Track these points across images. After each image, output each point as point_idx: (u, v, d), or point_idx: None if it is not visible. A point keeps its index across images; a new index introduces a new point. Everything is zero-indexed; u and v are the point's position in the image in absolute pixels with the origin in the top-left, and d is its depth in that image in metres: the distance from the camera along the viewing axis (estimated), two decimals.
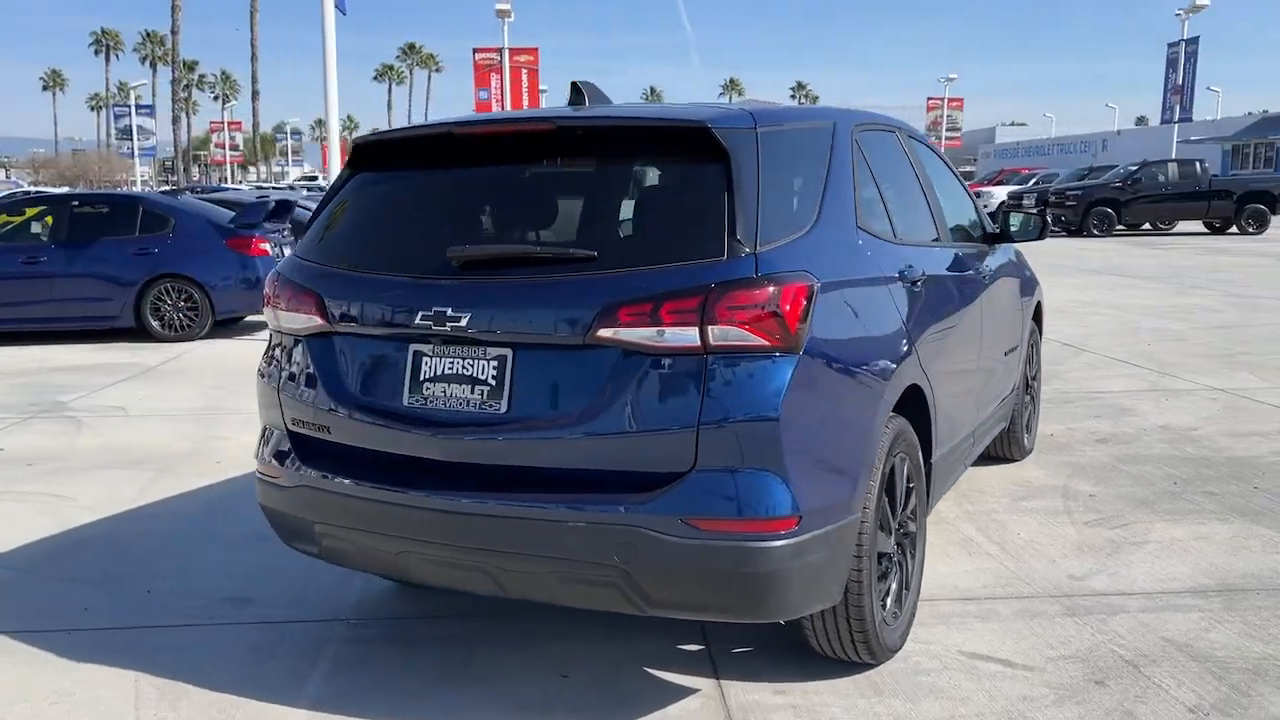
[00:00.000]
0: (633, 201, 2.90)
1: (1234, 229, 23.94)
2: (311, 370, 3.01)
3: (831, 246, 2.89)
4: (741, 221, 2.61)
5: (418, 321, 2.78)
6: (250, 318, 11.04)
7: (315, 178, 52.25)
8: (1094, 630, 3.29)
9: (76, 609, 3.64)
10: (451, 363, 2.78)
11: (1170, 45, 24.98)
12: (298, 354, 3.07)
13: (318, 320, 2.99)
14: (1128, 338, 9.23)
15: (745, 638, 3.25)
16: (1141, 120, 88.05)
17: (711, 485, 2.54)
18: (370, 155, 3.22)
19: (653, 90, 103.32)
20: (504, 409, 2.70)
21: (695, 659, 3.17)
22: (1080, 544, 4.08)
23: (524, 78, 28.20)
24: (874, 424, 2.85)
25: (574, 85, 3.32)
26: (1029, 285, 5.15)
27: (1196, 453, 5.38)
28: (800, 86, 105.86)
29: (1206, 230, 25.12)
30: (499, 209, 3.03)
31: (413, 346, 2.83)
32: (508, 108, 28.39)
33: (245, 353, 9.26)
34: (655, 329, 2.55)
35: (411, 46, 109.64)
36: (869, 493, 2.81)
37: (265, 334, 3.38)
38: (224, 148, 74.63)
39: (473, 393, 2.74)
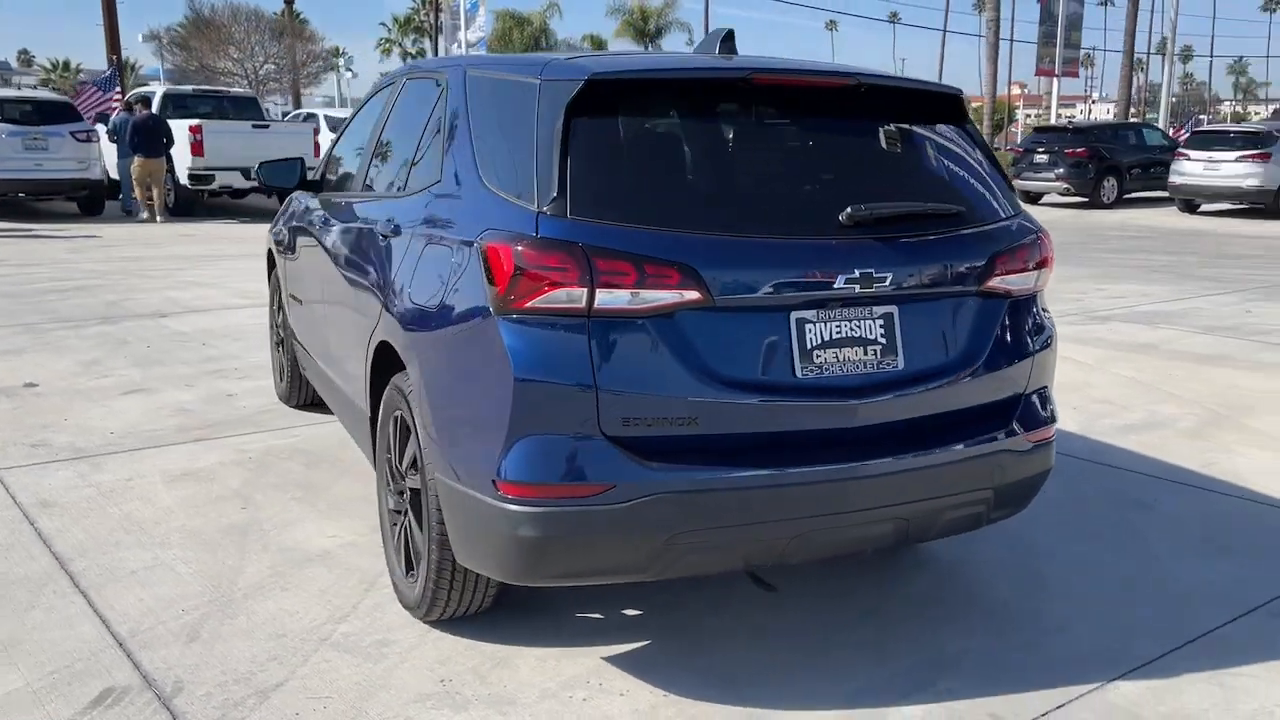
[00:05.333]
0: (929, 158, 3.10)
1: None
2: (669, 354, 2.55)
3: None
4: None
5: (839, 285, 2.67)
6: None
7: None
8: None
9: None
10: (840, 326, 2.72)
11: None
12: (640, 338, 2.54)
13: (692, 295, 2.54)
14: None
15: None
16: None
17: (1032, 403, 3.09)
18: (623, 94, 2.75)
19: None
20: (901, 365, 2.80)
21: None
22: None
23: None
24: None
25: (728, 34, 3.23)
26: None
27: None
28: None
29: None
30: (815, 163, 2.95)
31: (795, 314, 2.67)
32: None
33: None
34: (1023, 274, 2.99)
35: None
36: None
37: None
38: None
39: (867, 353, 2.76)
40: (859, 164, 2.98)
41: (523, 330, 2.53)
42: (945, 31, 78.13)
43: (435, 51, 41.09)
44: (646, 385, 2.53)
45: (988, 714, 2.71)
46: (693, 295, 2.52)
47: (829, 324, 2.70)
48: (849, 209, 2.70)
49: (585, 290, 2.47)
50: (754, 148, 2.92)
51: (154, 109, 16.69)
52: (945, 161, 3.08)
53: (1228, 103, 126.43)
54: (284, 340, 5.41)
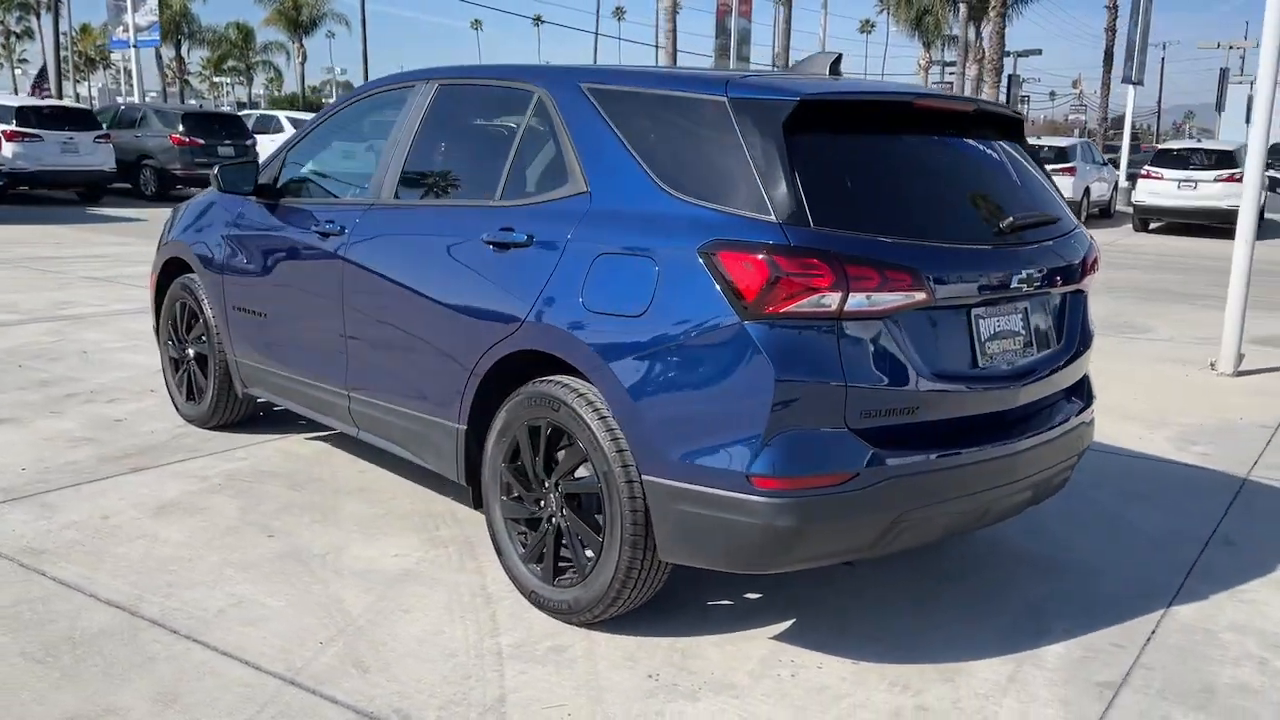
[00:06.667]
0: (1022, 170, 3.52)
1: None
2: (898, 351, 2.85)
3: None
4: None
5: (1014, 285, 3.10)
6: None
7: None
8: None
9: None
10: (999, 321, 3.16)
11: None
12: (877, 337, 2.81)
13: (919, 296, 2.85)
14: None
15: None
16: None
17: (1089, 383, 3.70)
18: (823, 114, 2.98)
19: None
20: (1035, 353, 3.29)
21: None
22: None
23: None
24: None
25: (838, 58, 3.52)
26: None
27: None
28: None
29: None
30: (958, 175, 3.31)
31: (974, 311, 3.07)
32: None
33: None
34: (1095, 274, 3.57)
35: None
36: None
37: None
38: None
39: (1015, 344, 3.22)
40: (989, 176, 3.40)
41: (778, 333, 2.72)
42: (597, 35, 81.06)
43: (54, 32, 36.27)
44: (881, 379, 2.82)
45: (1110, 644, 3.25)
46: (920, 296, 2.84)
47: (993, 319, 3.12)
48: (1011, 217, 3.14)
49: (839, 294, 2.71)
50: (922, 162, 3.26)
51: None
52: (1029, 174, 3.57)
53: None
54: (205, 357, 5.03)
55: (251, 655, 3.01)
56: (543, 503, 3.30)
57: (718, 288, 2.78)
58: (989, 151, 3.44)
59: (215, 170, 4.50)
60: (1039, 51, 47.85)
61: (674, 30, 30.91)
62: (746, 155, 2.86)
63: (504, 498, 3.42)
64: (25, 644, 3.03)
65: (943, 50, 53.99)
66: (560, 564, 3.27)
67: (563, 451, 3.23)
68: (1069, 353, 3.43)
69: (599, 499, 3.09)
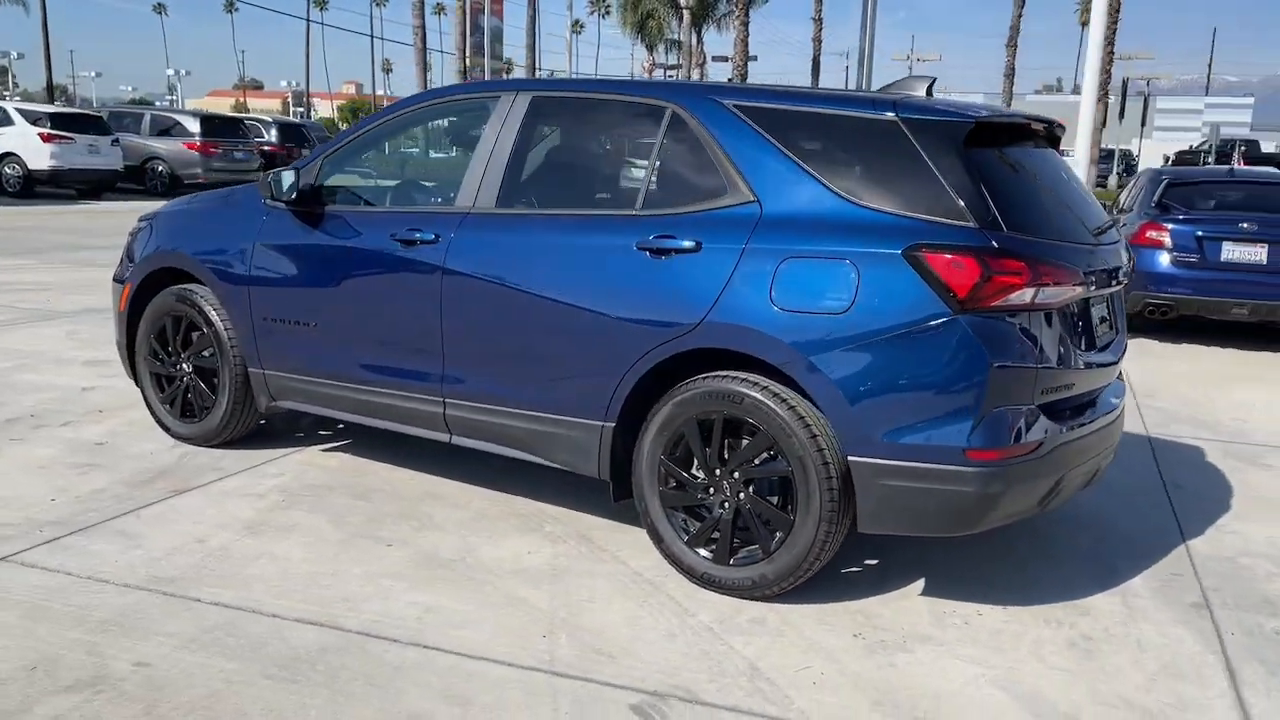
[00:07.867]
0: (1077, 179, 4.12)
1: None
2: (1063, 336, 3.40)
3: None
4: None
5: (1119, 278, 3.75)
6: None
7: None
8: None
9: None
10: (1098, 309, 3.77)
11: None
12: (1052, 325, 3.33)
13: (1080, 290, 3.41)
14: None
15: None
16: None
17: None
18: (987, 133, 3.43)
19: None
20: (1113, 335, 3.93)
21: None
22: None
23: None
24: None
25: (932, 82, 3.98)
26: None
27: None
28: None
29: None
30: (1058, 183, 3.83)
31: (1090, 301, 3.66)
32: None
33: None
34: None
35: None
36: None
37: None
38: None
39: (1105, 328, 3.84)
40: (1071, 183, 3.95)
41: (988, 324, 3.18)
42: (309, 22, 77.88)
43: None
44: (1056, 360, 3.35)
45: (1170, 574, 3.94)
46: (1079, 290, 3.40)
47: (1097, 308, 3.72)
48: (1104, 219, 3.75)
49: (1033, 290, 3.20)
50: (1040, 173, 3.75)
51: None
52: (1080, 181, 4.20)
53: None
54: (208, 370, 4.82)
55: (494, 654, 3.11)
56: (713, 490, 3.57)
57: (927, 285, 3.18)
58: (1062, 162, 4.05)
59: (266, 178, 4.37)
60: (755, 58, 50.86)
61: (423, 27, 30.53)
62: (933, 169, 3.28)
63: (662, 488, 3.66)
64: (261, 667, 2.97)
65: (665, 54, 56.23)
66: (733, 545, 3.56)
67: (730, 441, 3.52)
68: (1124, 338, 4.10)
69: (784, 481, 3.42)
